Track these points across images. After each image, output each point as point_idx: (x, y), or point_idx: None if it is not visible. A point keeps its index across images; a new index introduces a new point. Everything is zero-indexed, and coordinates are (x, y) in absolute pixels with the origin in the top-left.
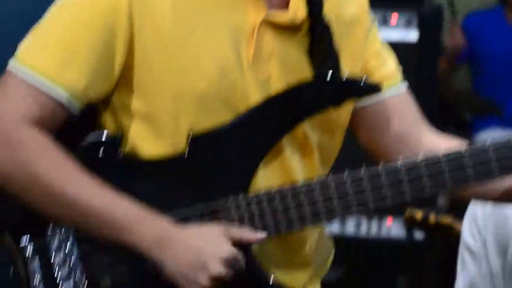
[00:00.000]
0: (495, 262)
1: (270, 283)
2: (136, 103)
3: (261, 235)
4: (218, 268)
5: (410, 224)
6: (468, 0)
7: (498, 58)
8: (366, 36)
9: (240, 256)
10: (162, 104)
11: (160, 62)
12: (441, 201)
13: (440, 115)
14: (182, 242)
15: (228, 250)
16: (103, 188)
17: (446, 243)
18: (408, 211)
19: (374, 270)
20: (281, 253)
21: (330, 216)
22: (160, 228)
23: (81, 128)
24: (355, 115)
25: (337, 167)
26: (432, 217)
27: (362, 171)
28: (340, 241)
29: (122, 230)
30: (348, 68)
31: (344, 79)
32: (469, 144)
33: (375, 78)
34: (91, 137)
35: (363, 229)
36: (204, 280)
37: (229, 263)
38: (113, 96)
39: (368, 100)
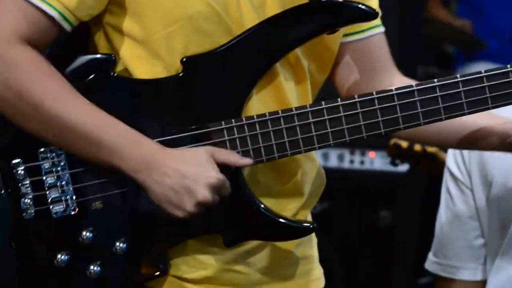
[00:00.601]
0: (480, 193)
1: (261, 209)
2: (129, 25)
3: (247, 160)
4: (204, 193)
5: (395, 152)
6: None
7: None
8: None
9: (227, 182)
10: (155, 25)
11: None
12: None
13: (424, 49)
14: (168, 166)
15: (214, 175)
16: (93, 109)
17: (430, 176)
18: (393, 139)
19: (357, 202)
20: (273, 181)
21: (322, 139)
22: (148, 151)
23: (75, 49)
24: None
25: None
26: (417, 146)
27: (356, 97)
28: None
29: (109, 152)
30: None
31: (339, 3)
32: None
33: None
34: (83, 58)
35: (346, 161)
36: (189, 204)
37: (215, 188)
38: (105, 17)
39: (349, 37)
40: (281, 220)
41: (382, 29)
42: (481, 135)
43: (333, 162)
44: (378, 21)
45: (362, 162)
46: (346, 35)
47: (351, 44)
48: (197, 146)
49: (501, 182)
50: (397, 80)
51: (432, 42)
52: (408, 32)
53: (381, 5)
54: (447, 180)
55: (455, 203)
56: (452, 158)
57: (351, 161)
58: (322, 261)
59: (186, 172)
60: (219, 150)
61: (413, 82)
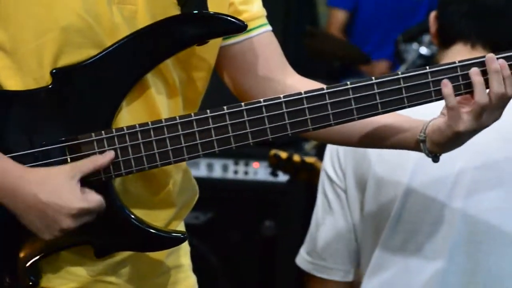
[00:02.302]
0: (354, 197)
1: (131, 220)
2: (0, 36)
3: (111, 153)
4: (67, 223)
5: (274, 163)
6: None
7: (373, 8)
8: None
9: (93, 208)
10: (26, 36)
11: None
12: (307, 145)
13: (310, 62)
14: (31, 196)
15: (76, 206)
16: None
17: (309, 186)
18: (273, 150)
19: (241, 212)
20: (144, 192)
21: (192, 152)
22: (9, 178)
23: None
24: (220, 54)
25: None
26: (296, 156)
27: (225, 108)
28: (208, 184)
29: None
30: (215, 6)
31: (210, 16)
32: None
33: (242, 16)
34: None
35: (230, 172)
36: (56, 232)
37: (79, 216)
38: None
39: (233, 39)
40: (151, 230)
41: (268, 27)
42: (387, 132)
43: (217, 172)
44: (263, 20)
45: (246, 173)
46: (229, 37)
47: (236, 45)
48: (65, 161)
49: (374, 188)
50: (291, 79)
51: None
52: (292, 46)
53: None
54: (324, 182)
55: (332, 207)
56: (329, 160)
57: (235, 172)
58: (206, 271)
59: (49, 204)
60: (81, 163)
61: (309, 82)
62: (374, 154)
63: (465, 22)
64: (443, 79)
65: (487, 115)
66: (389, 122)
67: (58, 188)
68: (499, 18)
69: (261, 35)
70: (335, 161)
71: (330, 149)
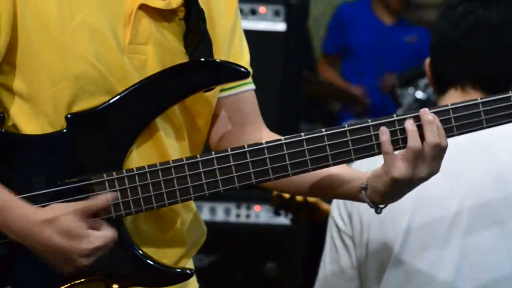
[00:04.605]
0: (359, 239)
1: (140, 256)
2: (17, 83)
3: (111, 195)
4: (82, 262)
5: (277, 203)
6: None
7: (365, 49)
8: (232, 28)
9: (105, 245)
10: (41, 85)
11: (41, 44)
12: None
13: (308, 106)
14: (45, 239)
15: (88, 247)
16: None
17: (312, 228)
18: (276, 192)
19: (244, 255)
20: (154, 231)
21: (198, 191)
22: (24, 221)
23: None
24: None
25: None
26: (299, 196)
27: (229, 150)
28: (210, 227)
29: None
30: (218, 54)
31: (217, 63)
32: None
33: None
34: None
35: (233, 215)
36: (72, 270)
37: (92, 255)
38: None
39: (225, 92)
40: (159, 266)
41: (252, 86)
42: (334, 182)
43: (220, 216)
44: (249, 78)
45: (248, 216)
46: (221, 90)
47: (223, 99)
48: (79, 200)
49: (377, 230)
50: (265, 134)
51: (317, 100)
52: (290, 89)
53: (265, 62)
54: (332, 230)
55: (339, 254)
56: (336, 208)
57: (238, 215)
58: None
59: (63, 247)
60: (87, 203)
61: (279, 136)
62: None
63: (452, 67)
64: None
65: (422, 164)
66: (337, 172)
67: (69, 230)
68: (481, 57)
69: (246, 93)
70: (342, 209)
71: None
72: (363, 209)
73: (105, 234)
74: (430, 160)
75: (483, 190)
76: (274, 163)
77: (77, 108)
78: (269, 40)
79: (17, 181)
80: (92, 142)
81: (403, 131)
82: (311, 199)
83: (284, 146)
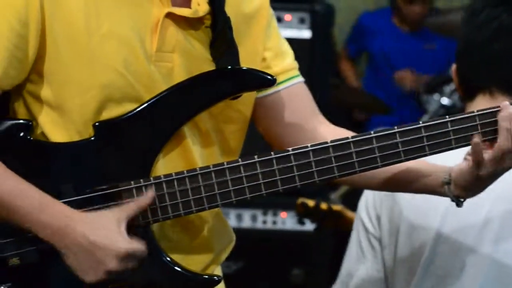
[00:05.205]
0: (387, 241)
1: (168, 263)
2: (46, 92)
3: (151, 193)
4: (113, 264)
5: (302, 211)
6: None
7: (384, 56)
8: (266, 31)
9: (137, 251)
10: (69, 93)
11: (69, 54)
12: (333, 195)
13: (333, 113)
14: (80, 235)
15: (124, 247)
16: (6, 174)
17: (336, 234)
18: (300, 199)
19: (270, 261)
20: (181, 237)
21: (225, 198)
22: (59, 217)
23: None
24: (254, 105)
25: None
26: (323, 204)
27: (256, 157)
28: (237, 234)
29: (21, 217)
30: (247, 60)
31: (242, 71)
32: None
33: (273, 70)
34: (3, 123)
35: (259, 222)
36: (100, 274)
37: (125, 259)
38: (24, 85)
39: (266, 91)
40: (187, 273)
41: (299, 79)
42: (410, 177)
43: (246, 222)
44: (294, 72)
45: (274, 222)
46: (262, 90)
47: (268, 97)
48: (107, 207)
49: (406, 234)
50: (322, 128)
51: (343, 108)
52: (316, 96)
53: None
54: (359, 231)
55: (365, 256)
56: (365, 209)
57: (264, 222)
58: None
59: (97, 244)
60: (127, 206)
61: (339, 130)
62: (404, 200)
63: (478, 72)
64: (461, 128)
65: (508, 159)
66: (412, 167)
67: (107, 230)
68: (508, 62)
69: (292, 87)
70: (371, 210)
71: (365, 197)
72: (392, 212)
73: (139, 244)
74: None
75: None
76: (339, 161)
77: (104, 116)
78: (295, 47)
79: (46, 188)
80: (120, 150)
81: (484, 125)
82: (336, 207)
83: (352, 145)
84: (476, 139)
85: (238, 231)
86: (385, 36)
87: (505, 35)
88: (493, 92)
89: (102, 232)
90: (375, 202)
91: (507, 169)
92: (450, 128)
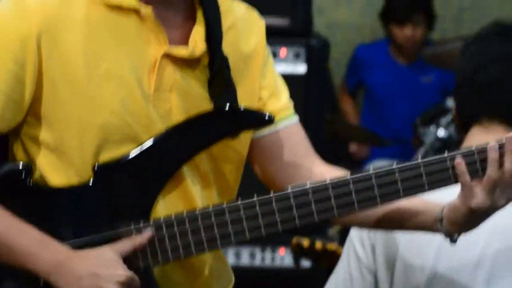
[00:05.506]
0: (383, 274)
1: None
2: (44, 134)
3: (147, 233)
4: None
5: (297, 251)
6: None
7: (380, 89)
8: (262, 70)
9: (135, 278)
10: (68, 135)
11: (67, 94)
12: (331, 231)
13: (329, 146)
14: (78, 267)
15: (124, 273)
16: (5, 215)
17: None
18: (295, 238)
19: None
20: (181, 278)
21: (225, 239)
22: (57, 254)
23: None
24: (250, 145)
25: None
26: (318, 244)
27: (255, 198)
28: (236, 272)
29: (20, 256)
30: (245, 100)
31: (239, 111)
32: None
33: (269, 109)
34: (2, 167)
35: (258, 259)
36: None
37: (126, 285)
38: (22, 127)
39: (262, 132)
40: None
41: (294, 118)
42: (405, 215)
43: (245, 260)
44: (289, 111)
45: (273, 259)
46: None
47: (264, 137)
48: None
49: (402, 270)
50: (317, 168)
51: (339, 140)
52: (311, 131)
53: None
54: (349, 257)
55: (354, 286)
56: (358, 235)
57: (263, 259)
58: None
59: (96, 273)
60: (122, 242)
61: (334, 169)
62: (401, 234)
63: (470, 104)
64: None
65: (499, 192)
66: (406, 205)
67: (105, 261)
68: (499, 91)
69: (287, 127)
70: (365, 239)
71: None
72: (387, 243)
73: (137, 280)
74: (508, 188)
75: (507, 232)
76: (338, 200)
77: (103, 157)
78: (290, 82)
79: (45, 232)
80: (119, 192)
81: (482, 162)
82: (330, 246)
83: (351, 185)
84: (459, 160)
85: (237, 270)
86: (382, 69)
87: (490, 64)
88: (484, 123)
89: (101, 262)
90: (370, 231)
91: (499, 205)
92: (449, 165)
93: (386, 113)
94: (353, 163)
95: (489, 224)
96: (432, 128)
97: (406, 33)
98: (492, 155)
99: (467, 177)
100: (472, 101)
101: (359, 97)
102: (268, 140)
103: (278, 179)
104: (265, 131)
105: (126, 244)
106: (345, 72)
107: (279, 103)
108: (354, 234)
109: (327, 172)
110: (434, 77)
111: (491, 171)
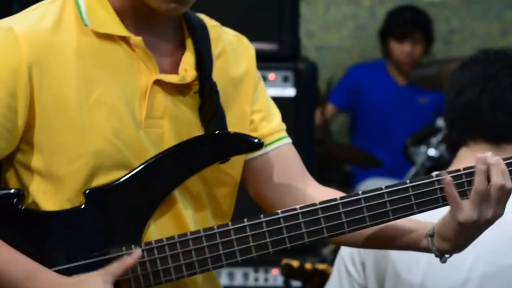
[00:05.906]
0: None
1: None
2: (36, 161)
3: (136, 253)
4: None
5: (287, 272)
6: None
7: (380, 110)
8: (253, 95)
9: None
10: (60, 162)
11: (59, 123)
12: (326, 250)
13: (320, 167)
14: None
15: None
16: None
17: None
18: (285, 260)
19: None
20: None
21: (216, 261)
22: (47, 283)
23: None
24: (243, 167)
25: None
26: (308, 264)
27: (245, 220)
28: None
29: (11, 285)
30: (236, 123)
31: (229, 135)
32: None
33: (261, 132)
34: None
35: (251, 280)
36: None
37: None
38: (15, 155)
39: (254, 154)
40: None
41: (287, 140)
42: (395, 234)
43: (238, 280)
44: (282, 133)
45: (266, 280)
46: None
47: (257, 159)
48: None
49: (391, 282)
50: (311, 188)
51: (330, 162)
52: (302, 154)
53: None
54: (341, 272)
55: None
56: (349, 252)
57: (256, 279)
58: None
59: None
60: (113, 266)
61: (327, 190)
62: (391, 251)
63: (456, 128)
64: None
65: (487, 206)
66: (396, 224)
67: (94, 285)
68: (476, 112)
69: (280, 148)
70: (356, 255)
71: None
72: (377, 260)
73: None
74: (495, 202)
75: (495, 248)
76: (328, 222)
77: (95, 183)
78: (279, 105)
79: (37, 257)
80: (110, 217)
81: (469, 183)
82: (320, 266)
83: (341, 206)
84: (447, 179)
85: None
86: (381, 88)
87: (468, 87)
88: (470, 145)
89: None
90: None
91: (487, 220)
92: (437, 186)
93: (383, 133)
94: (346, 184)
95: (478, 243)
96: (422, 148)
97: (405, 49)
98: (479, 166)
99: (453, 190)
100: (456, 125)
101: (346, 118)
102: (260, 162)
103: (272, 200)
104: (258, 152)
105: (117, 267)
106: (331, 92)
107: (271, 126)
108: (345, 251)
109: (320, 193)
110: (431, 98)
111: (478, 182)
